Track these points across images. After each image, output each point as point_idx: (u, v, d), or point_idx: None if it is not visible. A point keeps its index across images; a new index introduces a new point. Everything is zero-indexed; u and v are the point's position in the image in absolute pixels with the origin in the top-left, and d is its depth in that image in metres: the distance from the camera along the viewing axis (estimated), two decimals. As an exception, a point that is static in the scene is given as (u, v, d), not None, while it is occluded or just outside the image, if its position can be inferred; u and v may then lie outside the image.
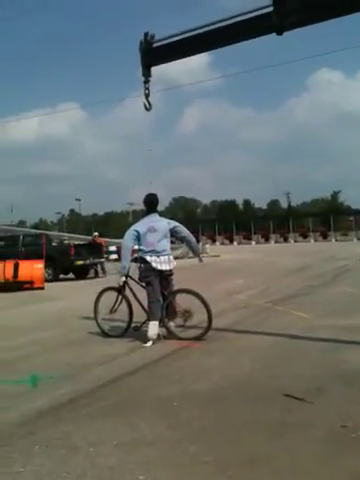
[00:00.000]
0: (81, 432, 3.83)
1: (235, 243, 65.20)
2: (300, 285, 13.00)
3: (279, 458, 3.28)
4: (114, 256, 27.38)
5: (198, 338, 6.86)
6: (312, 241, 60.32)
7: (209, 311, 6.89)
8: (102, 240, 25.78)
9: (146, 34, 7.09)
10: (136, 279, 7.37)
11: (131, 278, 7.47)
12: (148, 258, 7.09)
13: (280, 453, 3.35)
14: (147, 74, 7.37)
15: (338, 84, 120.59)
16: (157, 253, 7.12)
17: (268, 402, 4.31)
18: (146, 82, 7.40)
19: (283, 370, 5.29)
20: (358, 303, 9.51)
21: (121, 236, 8.76)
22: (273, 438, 3.59)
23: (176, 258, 7.39)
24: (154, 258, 7.09)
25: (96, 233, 26.71)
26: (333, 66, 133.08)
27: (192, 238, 7.94)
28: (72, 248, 20.44)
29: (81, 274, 20.73)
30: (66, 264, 19.88)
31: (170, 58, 7.43)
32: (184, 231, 7.65)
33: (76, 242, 27.72)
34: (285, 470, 3.10)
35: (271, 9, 5.96)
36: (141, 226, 7.31)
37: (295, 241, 62.10)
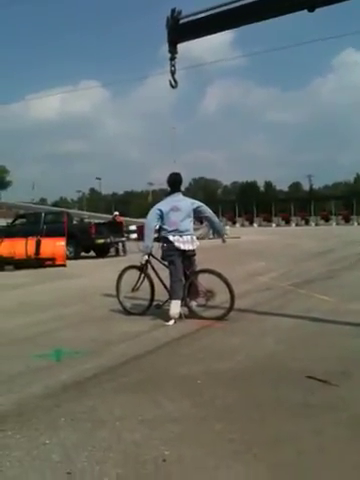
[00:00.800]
0: (106, 407, 3.87)
1: (255, 225, 64.81)
2: (322, 269, 12.88)
3: (304, 439, 3.26)
4: (134, 235, 27.50)
5: (220, 318, 6.86)
6: (334, 224, 59.66)
7: (231, 291, 6.87)
8: (122, 219, 25.85)
9: (173, 10, 6.97)
10: (158, 258, 7.37)
11: (154, 257, 7.48)
12: (171, 237, 7.07)
13: (305, 434, 3.33)
14: (173, 51, 7.27)
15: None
16: (180, 233, 7.10)
17: (292, 383, 4.29)
18: (172, 59, 7.30)
19: (306, 352, 5.26)
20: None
21: (141, 216, 8.74)
22: (297, 419, 3.58)
23: (197, 238, 7.36)
24: (177, 237, 7.07)
25: (116, 212, 26.78)
26: (359, 47, 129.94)
27: (216, 218, 7.90)
28: (93, 226, 20.53)
29: (102, 252, 20.85)
30: (87, 242, 20.01)
31: (197, 35, 7.29)
32: (208, 211, 7.60)
33: (96, 221, 27.83)
34: (310, 451, 3.09)
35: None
36: (164, 205, 7.28)
37: (316, 224, 61.46)
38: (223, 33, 8.18)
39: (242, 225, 64.63)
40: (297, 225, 62.37)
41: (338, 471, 2.85)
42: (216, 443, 3.21)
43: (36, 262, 16.13)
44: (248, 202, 72.09)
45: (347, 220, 61.96)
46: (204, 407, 3.82)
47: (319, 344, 5.59)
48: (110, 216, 29.86)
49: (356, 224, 58.30)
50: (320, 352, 5.25)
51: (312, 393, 4.07)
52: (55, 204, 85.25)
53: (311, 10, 5.98)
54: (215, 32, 7.27)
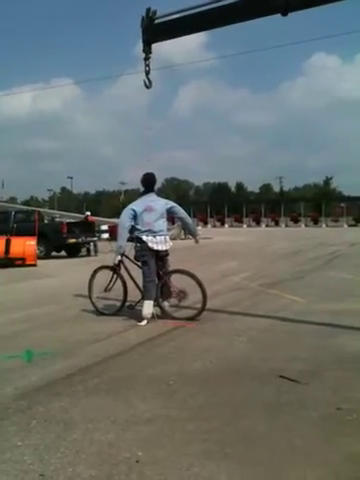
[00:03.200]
0: (78, 408, 3.85)
1: (226, 226, 65.17)
2: (293, 269, 13.06)
3: (275, 438, 3.31)
4: (106, 235, 27.36)
5: (192, 318, 6.89)
6: (303, 226, 60.45)
7: (204, 292, 6.91)
8: (94, 219, 25.69)
9: (148, 10, 6.96)
10: (132, 258, 7.35)
11: (126, 257, 7.46)
12: (144, 238, 7.06)
13: (276, 433, 3.38)
14: (148, 51, 7.26)
15: (334, 69, 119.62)
16: (154, 233, 7.09)
17: (263, 383, 4.35)
18: (147, 59, 7.29)
19: (277, 352, 5.33)
20: (351, 288, 9.58)
21: (113, 215, 8.70)
22: (269, 418, 3.62)
23: (169, 239, 7.39)
24: (150, 238, 7.06)
25: (88, 212, 26.62)
26: (329, 50, 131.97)
27: (189, 219, 7.94)
28: (65, 226, 20.34)
29: (73, 252, 20.68)
30: (59, 242, 19.82)
31: (171, 35, 7.30)
32: (181, 212, 7.61)
33: (68, 220, 27.57)
34: (282, 449, 3.14)
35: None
36: (138, 205, 7.27)
37: (286, 225, 62.18)
38: (197, 34, 8.21)
39: (214, 226, 64.88)
40: (267, 226, 63.00)
41: (308, 468, 2.90)
42: (189, 443, 3.23)
43: (6, 261, 15.87)
44: (219, 203, 72.46)
45: (316, 222, 62.88)
46: (177, 407, 3.84)
47: (290, 344, 5.67)
48: (82, 216, 29.63)
49: (324, 226, 59.20)
50: (291, 352, 5.32)
51: (284, 392, 4.13)
52: (25, 203, 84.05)
53: (284, 14, 6.06)
54: (190, 33, 7.30)
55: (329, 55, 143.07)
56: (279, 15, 6.06)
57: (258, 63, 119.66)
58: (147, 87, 7.37)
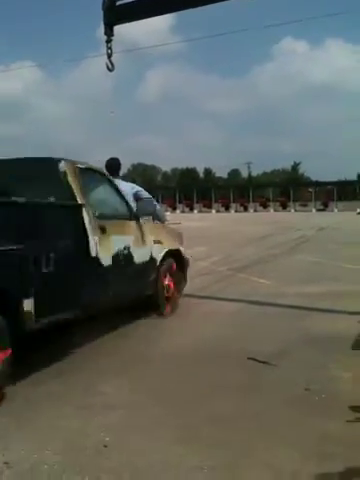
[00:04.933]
0: (43, 394, 3.76)
1: (195, 211, 65.22)
2: (262, 253, 13.15)
3: (245, 420, 3.30)
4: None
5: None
6: (272, 211, 61.04)
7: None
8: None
9: (109, -10, 6.76)
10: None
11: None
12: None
13: (246, 415, 3.38)
14: (109, 33, 7.03)
15: (303, 54, 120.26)
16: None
17: (233, 365, 4.34)
18: (108, 42, 7.07)
19: (247, 335, 5.34)
20: (319, 271, 9.70)
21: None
22: (239, 400, 3.61)
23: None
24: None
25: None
26: (298, 35, 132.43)
27: (156, 204, 7.83)
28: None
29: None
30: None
31: (134, 17, 7.11)
32: (146, 195, 7.51)
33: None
34: (252, 431, 3.13)
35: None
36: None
37: (255, 210, 62.65)
38: (164, 17, 8.04)
39: (182, 211, 64.83)
40: (236, 211, 63.34)
41: (278, 449, 2.90)
42: (156, 427, 3.19)
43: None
44: (188, 188, 72.43)
45: (284, 207, 63.55)
46: (143, 392, 3.79)
47: (259, 327, 5.69)
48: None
49: (293, 210, 59.92)
50: (260, 334, 5.34)
51: (254, 374, 4.14)
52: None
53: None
54: (154, 15, 7.12)
55: (298, 40, 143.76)
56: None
57: (227, 48, 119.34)
58: (109, 70, 7.18)
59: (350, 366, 4.22)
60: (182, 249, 6.91)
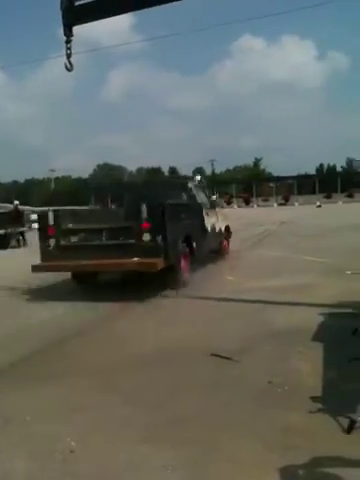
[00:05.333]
0: (11, 401, 3.75)
1: (161, 210, 65.26)
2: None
3: (210, 416, 3.38)
4: (36, 225, 26.58)
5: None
6: (235, 207, 61.60)
7: None
8: (23, 209, 24.90)
9: (67, -10, 6.73)
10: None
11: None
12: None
13: (211, 411, 3.45)
14: (68, 34, 7.02)
15: (260, 51, 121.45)
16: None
17: (197, 363, 4.41)
18: (68, 42, 7.07)
19: (210, 331, 5.43)
20: (281, 265, 9.87)
21: (44, 204, 8.47)
22: (204, 397, 3.68)
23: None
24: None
25: (17, 201, 25.77)
26: (255, 32, 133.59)
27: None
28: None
29: (2, 244, 19.97)
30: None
31: (93, 17, 7.10)
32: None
33: (-4, 211, 26.59)
34: (217, 427, 3.20)
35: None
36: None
37: (220, 207, 63.04)
38: (125, 16, 8.03)
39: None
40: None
41: (243, 442, 2.98)
42: (123, 429, 3.23)
43: None
44: (153, 188, 72.29)
45: (247, 202, 64.25)
46: (111, 394, 3.82)
47: (222, 322, 5.79)
48: (11, 205, 28.60)
49: (256, 206, 60.65)
50: (223, 330, 5.44)
51: (218, 370, 4.22)
52: None
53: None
54: (112, 15, 7.12)
55: (255, 37, 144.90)
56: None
57: (187, 45, 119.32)
58: (68, 70, 7.16)
59: (310, 357, 4.34)
60: (229, 223, 12.34)
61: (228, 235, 12.04)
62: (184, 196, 9.41)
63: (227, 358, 4.43)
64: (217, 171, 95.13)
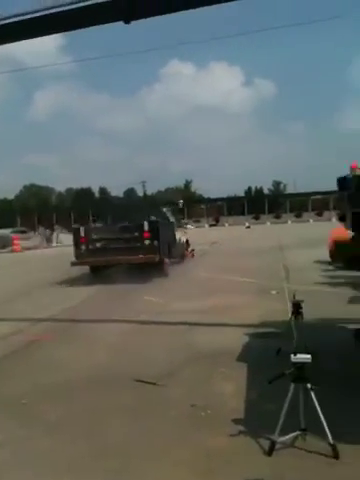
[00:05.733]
0: None
1: (92, 232, 64.57)
2: (154, 271, 13.25)
3: (133, 442, 3.32)
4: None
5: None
6: (167, 228, 62.03)
7: None
8: None
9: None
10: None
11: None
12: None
13: (134, 437, 3.40)
14: None
15: (189, 76, 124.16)
16: None
17: (122, 389, 4.34)
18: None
19: (136, 356, 5.37)
20: (207, 286, 9.99)
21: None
22: (127, 423, 3.62)
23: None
24: None
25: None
26: (183, 58, 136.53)
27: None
28: None
29: None
30: None
31: (10, 39, 7.02)
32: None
33: None
34: (139, 453, 3.16)
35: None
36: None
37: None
38: (53, 37, 7.95)
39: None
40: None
41: (165, 468, 2.95)
42: (44, 462, 3.11)
43: None
44: (83, 209, 71.48)
45: (179, 223, 64.85)
46: (31, 426, 3.67)
47: (148, 346, 5.74)
48: None
49: (189, 226, 61.27)
50: (149, 354, 5.39)
51: (142, 396, 4.17)
52: None
53: (127, 22, 6.12)
54: (29, 38, 7.06)
55: (184, 62, 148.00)
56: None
57: (117, 68, 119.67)
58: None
59: (234, 379, 4.39)
60: (188, 238, 16.22)
61: (188, 246, 16.31)
62: (165, 216, 14.28)
63: (151, 383, 4.38)
64: (149, 192, 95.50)
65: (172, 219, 14.74)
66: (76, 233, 12.29)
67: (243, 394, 4.03)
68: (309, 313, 5.79)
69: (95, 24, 6.38)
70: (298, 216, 57.81)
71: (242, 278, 10.56)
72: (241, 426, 3.44)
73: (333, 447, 2.93)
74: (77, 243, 12.08)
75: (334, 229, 11.70)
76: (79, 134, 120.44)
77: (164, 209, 15.08)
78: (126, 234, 12.01)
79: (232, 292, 8.97)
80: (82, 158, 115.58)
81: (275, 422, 3.16)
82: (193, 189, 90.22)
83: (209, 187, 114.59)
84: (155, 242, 11.64)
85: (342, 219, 5.36)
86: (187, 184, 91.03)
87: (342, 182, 4.86)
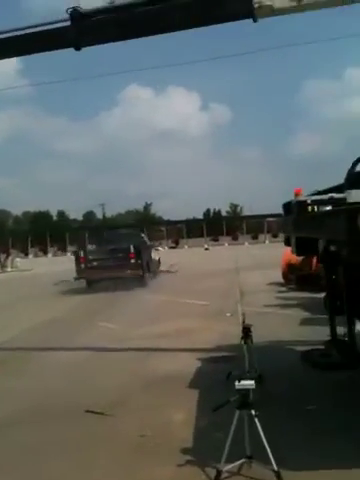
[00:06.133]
0: None
1: (50, 255, 63.50)
2: (111, 295, 13.14)
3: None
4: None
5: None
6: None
7: None
8: None
9: None
10: None
11: None
12: None
13: (77, 474, 3.30)
14: None
15: (147, 100, 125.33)
16: None
17: (70, 421, 4.23)
18: None
19: (88, 385, 5.26)
20: (163, 311, 9.93)
21: None
22: (71, 459, 3.52)
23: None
24: None
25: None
26: (142, 83, 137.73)
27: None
28: None
29: None
30: None
31: None
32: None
33: None
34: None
35: (69, 23, 5.92)
36: None
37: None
38: (10, 61, 7.80)
39: (36, 256, 62.71)
40: (92, 253, 62.93)
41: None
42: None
43: None
44: (41, 232, 70.43)
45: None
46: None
47: (101, 375, 5.64)
48: None
49: (160, 248, 61.15)
50: (101, 383, 5.29)
51: (90, 427, 4.08)
52: None
53: (77, 49, 6.14)
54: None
55: (143, 87, 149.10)
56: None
57: (75, 92, 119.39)
58: None
59: (184, 407, 4.36)
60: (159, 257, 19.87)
61: (159, 264, 19.46)
62: (144, 240, 18.36)
63: (101, 413, 4.30)
64: (108, 215, 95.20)
65: (149, 242, 19.20)
66: (77, 254, 15.90)
67: (192, 422, 4.00)
68: (261, 336, 5.89)
69: (46, 50, 6.35)
70: (254, 237, 58.69)
71: (198, 301, 10.57)
72: (189, 456, 3.40)
73: (277, 474, 2.93)
74: (78, 262, 15.36)
75: (287, 251, 11.92)
76: (37, 157, 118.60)
77: (142, 235, 19.85)
78: (116, 255, 15.01)
79: (188, 316, 8.95)
80: (40, 181, 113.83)
81: (221, 451, 3.16)
82: (153, 211, 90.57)
83: (169, 209, 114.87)
84: (138, 261, 14.91)
85: (287, 243, 5.47)
86: (147, 207, 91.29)
87: (287, 207, 4.99)
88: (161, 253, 25.34)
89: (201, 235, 62.13)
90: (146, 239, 18.96)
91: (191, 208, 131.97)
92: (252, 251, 32.05)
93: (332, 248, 4.04)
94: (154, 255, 18.58)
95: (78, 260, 15.38)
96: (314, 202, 4.26)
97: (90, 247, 17.69)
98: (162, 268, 19.43)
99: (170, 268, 20.82)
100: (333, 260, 4.67)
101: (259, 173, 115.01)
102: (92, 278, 15.13)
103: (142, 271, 14.84)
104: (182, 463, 3.30)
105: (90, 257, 15.35)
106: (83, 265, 15.15)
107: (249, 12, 4.82)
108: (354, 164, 3.12)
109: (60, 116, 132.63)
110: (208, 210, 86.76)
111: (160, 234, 67.95)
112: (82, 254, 15.48)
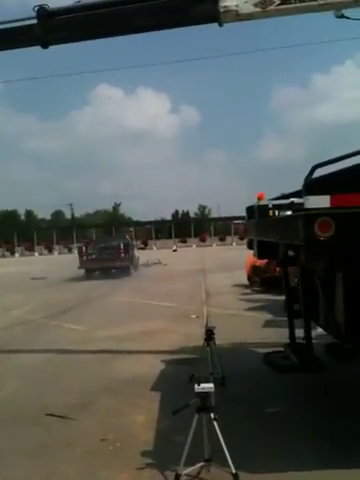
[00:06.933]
0: None
1: (17, 255, 62.50)
2: (82, 296, 13.05)
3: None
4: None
5: None
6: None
7: None
8: None
9: None
10: None
11: None
12: None
13: (35, 478, 3.25)
14: None
15: (117, 101, 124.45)
16: None
17: (30, 424, 4.17)
18: None
19: (50, 387, 5.19)
20: (132, 312, 9.91)
21: None
22: (29, 464, 3.46)
23: None
24: None
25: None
26: (112, 83, 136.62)
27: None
28: None
29: None
30: None
31: None
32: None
33: None
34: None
35: (35, 21, 5.85)
36: None
37: (79, 252, 62.17)
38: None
39: (3, 256, 61.65)
40: (60, 253, 62.16)
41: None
42: None
43: None
44: (8, 232, 69.24)
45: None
46: None
47: (63, 377, 5.59)
48: None
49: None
50: (64, 385, 5.24)
51: (50, 431, 4.03)
52: None
53: (45, 47, 6.07)
54: None
55: (113, 87, 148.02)
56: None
57: (46, 91, 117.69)
58: None
59: (146, 409, 4.36)
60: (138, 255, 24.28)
61: (138, 260, 23.39)
62: (129, 240, 23.27)
63: (61, 417, 4.25)
64: (77, 215, 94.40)
65: (133, 242, 25.56)
66: (80, 249, 21.55)
67: (154, 425, 4.00)
68: (225, 338, 5.97)
69: (12, 47, 6.25)
70: (222, 239, 58.98)
71: (165, 302, 10.59)
72: (149, 459, 3.40)
73: (235, 476, 2.96)
74: (81, 255, 20.68)
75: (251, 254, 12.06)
76: (4, 156, 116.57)
77: (127, 236, 25.87)
78: (109, 250, 20.05)
79: (154, 318, 8.94)
80: (7, 180, 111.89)
81: (181, 454, 3.17)
82: (122, 212, 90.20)
83: (138, 210, 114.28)
84: (126, 256, 20.10)
85: (250, 246, 5.53)
86: (115, 207, 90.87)
87: (250, 211, 5.04)
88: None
89: (169, 236, 62.19)
90: (130, 240, 24.15)
91: (160, 209, 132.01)
92: (219, 253, 32.30)
93: (290, 253, 4.10)
94: (136, 252, 23.44)
95: (81, 254, 20.57)
96: (275, 207, 4.32)
97: (90, 245, 21.97)
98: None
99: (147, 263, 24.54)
100: (291, 264, 4.75)
101: (227, 175, 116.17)
102: (91, 268, 20.02)
103: (129, 263, 19.99)
104: (142, 466, 3.30)
105: (89, 251, 20.41)
106: (85, 258, 20.23)
107: (214, 17, 4.84)
108: (311, 170, 3.16)
109: (30, 114, 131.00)
110: (177, 211, 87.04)
111: (128, 234, 67.70)
112: (84, 250, 20.51)
